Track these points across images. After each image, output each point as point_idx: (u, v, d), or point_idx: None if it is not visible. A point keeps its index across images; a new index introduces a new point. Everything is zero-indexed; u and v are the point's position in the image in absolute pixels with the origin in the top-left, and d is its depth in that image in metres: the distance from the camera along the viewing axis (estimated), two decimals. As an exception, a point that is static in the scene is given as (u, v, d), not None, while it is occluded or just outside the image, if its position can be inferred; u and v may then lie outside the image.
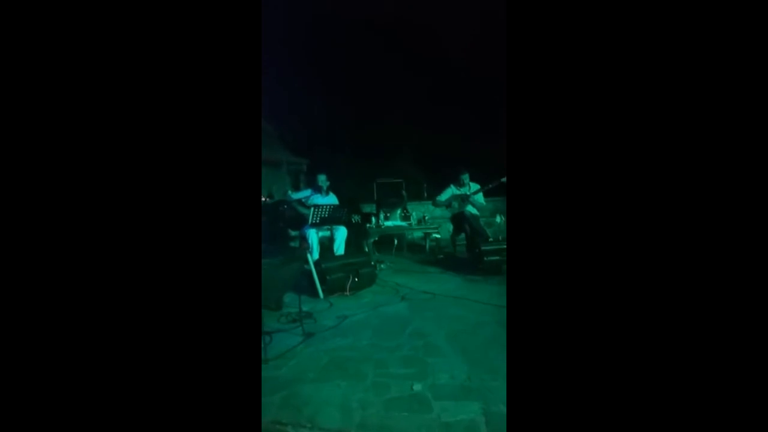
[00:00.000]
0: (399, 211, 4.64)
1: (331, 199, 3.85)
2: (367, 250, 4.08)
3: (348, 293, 2.91)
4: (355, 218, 4.10)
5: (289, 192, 4.07)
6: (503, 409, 1.33)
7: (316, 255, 3.37)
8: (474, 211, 4.09)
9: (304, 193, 3.94)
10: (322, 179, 3.85)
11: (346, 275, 2.96)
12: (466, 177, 4.15)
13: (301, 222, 3.65)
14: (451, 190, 4.20)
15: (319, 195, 3.81)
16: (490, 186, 4.02)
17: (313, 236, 3.48)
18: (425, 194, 5.54)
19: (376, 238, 4.35)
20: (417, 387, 1.52)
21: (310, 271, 2.89)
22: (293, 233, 3.89)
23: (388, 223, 4.40)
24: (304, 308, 2.42)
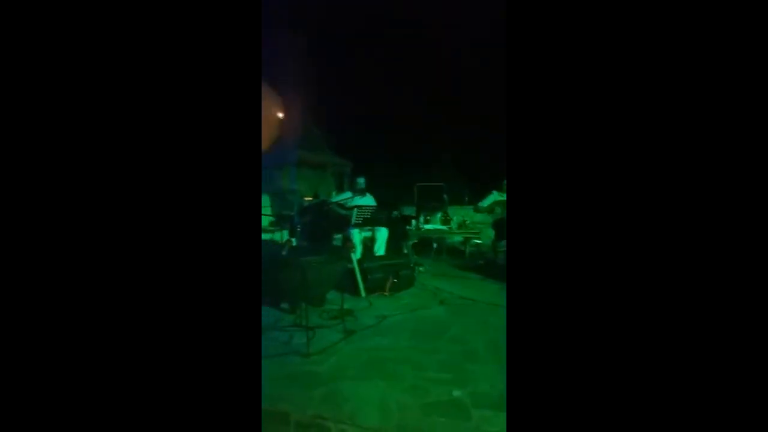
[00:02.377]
0: (439, 215, 4.62)
1: (368, 200, 3.93)
2: (406, 252, 4.10)
3: (387, 293, 2.95)
4: (395, 214, 4.14)
5: (333, 194, 4.22)
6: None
7: (358, 254, 3.46)
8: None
9: (344, 196, 4.06)
10: (361, 182, 3.97)
11: (385, 276, 3.00)
12: None
13: (342, 223, 3.76)
14: (494, 196, 4.12)
15: (358, 197, 3.91)
16: None
17: (357, 236, 3.58)
18: (466, 199, 5.46)
19: (416, 241, 4.35)
20: (457, 393, 1.52)
21: (352, 270, 2.96)
22: (336, 234, 4.02)
23: (428, 227, 4.39)
24: (345, 306, 2.48)
